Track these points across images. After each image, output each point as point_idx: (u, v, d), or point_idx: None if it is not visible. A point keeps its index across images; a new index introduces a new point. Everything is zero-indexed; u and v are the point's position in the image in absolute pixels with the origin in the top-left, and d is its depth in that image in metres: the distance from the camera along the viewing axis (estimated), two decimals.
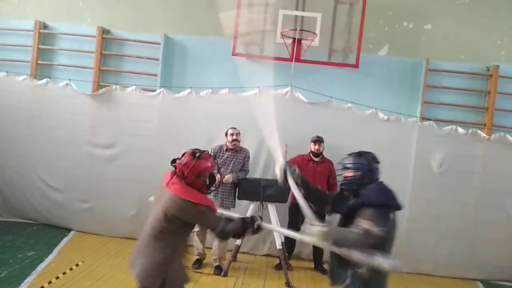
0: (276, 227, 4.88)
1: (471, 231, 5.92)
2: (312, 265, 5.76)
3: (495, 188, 5.89)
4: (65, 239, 5.86)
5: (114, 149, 6.16)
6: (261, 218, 2.76)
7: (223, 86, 6.09)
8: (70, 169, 6.17)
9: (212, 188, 2.89)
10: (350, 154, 2.83)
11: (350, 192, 2.75)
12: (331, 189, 5.64)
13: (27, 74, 6.41)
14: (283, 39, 5.81)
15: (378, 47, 6.45)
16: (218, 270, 5.20)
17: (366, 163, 2.75)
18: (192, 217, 2.58)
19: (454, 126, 6.00)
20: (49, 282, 4.30)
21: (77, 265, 4.89)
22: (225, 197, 5.28)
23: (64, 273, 4.59)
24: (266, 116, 5.82)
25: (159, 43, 6.49)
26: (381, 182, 2.75)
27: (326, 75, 6.29)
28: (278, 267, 5.46)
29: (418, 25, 6.44)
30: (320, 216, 2.94)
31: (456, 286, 5.76)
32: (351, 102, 6.01)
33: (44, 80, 6.32)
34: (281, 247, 5.26)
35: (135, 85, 6.19)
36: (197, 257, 5.34)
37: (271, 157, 5.88)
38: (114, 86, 6.20)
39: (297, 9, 5.93)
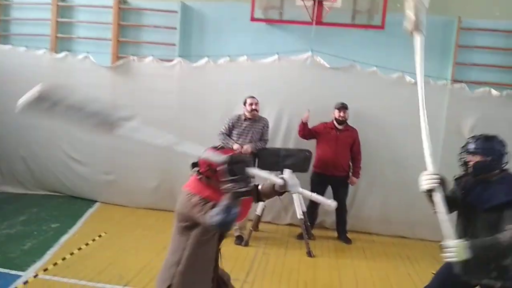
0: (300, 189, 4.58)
1: None
2: (335, 234, 5.64)
3: None
4: (90, 210, 5.96)
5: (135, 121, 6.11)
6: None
7: (242, 54, 5.89)
8: (93, 143, 6.18)
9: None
10: (477, 138, 2.71)
11: (477, 179, 2.66)
12: (355, 158, 5.47)
13: (46, 48, 6.41)
14: (304, 1, 5.50)
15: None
16: (239, 240, 5.16)
17: (498, 148, 2.67)
18: (185, 208, 2.25)
19: (488, 88, 5.62)
20: (71, 253, 4.37)
21: (99, 236, 4.96)
22: None
23: (86, 244, 4.67)
24: (286, 84, 5.74)
25: (176, 11, 6.33)
26: (507, 170, 2.65)
27: (350, 38, 5.98)
28: (300, 236, 5.36)
29: None
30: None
31: None
32: (376, 66, 5.71)
33: (63, 54, 6.31)
34: (302, 217, 5.16)
35: (152, 55, 6.09)
36: None
37: (292, 125, 5.81)
38: (131, 57, 6.13)
39: None
